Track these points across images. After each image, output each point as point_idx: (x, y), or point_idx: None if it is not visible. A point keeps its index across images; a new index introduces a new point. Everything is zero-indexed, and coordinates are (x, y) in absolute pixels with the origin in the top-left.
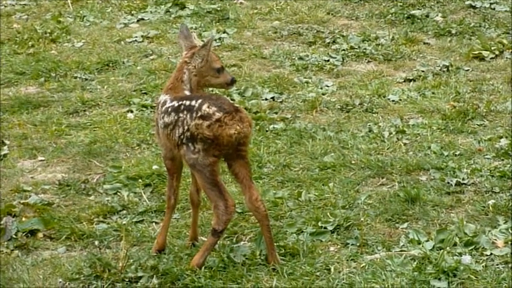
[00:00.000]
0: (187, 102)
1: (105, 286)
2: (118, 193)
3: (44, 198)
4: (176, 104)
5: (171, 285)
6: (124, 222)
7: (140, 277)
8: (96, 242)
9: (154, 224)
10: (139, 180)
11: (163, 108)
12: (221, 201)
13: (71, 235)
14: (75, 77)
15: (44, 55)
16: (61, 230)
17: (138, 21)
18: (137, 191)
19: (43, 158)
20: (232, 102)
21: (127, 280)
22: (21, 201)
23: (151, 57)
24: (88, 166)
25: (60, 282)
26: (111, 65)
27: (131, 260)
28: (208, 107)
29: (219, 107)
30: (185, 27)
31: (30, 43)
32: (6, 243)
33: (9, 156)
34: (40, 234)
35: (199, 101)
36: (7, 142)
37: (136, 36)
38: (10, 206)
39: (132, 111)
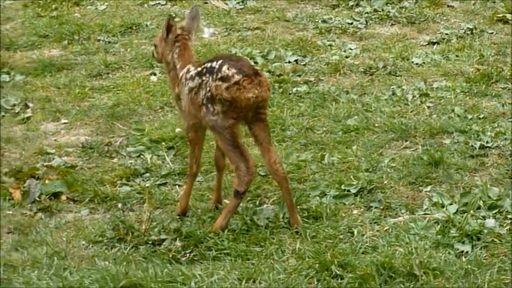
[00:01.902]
0: (209, 65)
1: (128, 249)
2: (141, 156)
3: (67, 160)
4: (199, 69)
5: (194, 247)
6: (147, 184)
7: (163, 240)
8: (120, 205)
9: (177, 186)
10: (163, 143)
11: (188, 75)
12: (242, 162)
13: (94, 198)
14: (99, 40)
15: (67, 18)
16: (84, 192)
17: None
18: (160, 154)
19: (66, 121)
20: (253, 65)
21: (150, 243)
22: (45, 164)
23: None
24: (111, 129)
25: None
26: (134, 27)
27: (154, 223)
28: (228, 69)
29: (239, 69)
30: (196, 10)
31: (53, 6)
32: (29, 205)
33: (32, 119)
34: (63, 197)
35: (220, 62)
36: (30, 105)
37: None
38: (33, 168)
39: (155, 74)
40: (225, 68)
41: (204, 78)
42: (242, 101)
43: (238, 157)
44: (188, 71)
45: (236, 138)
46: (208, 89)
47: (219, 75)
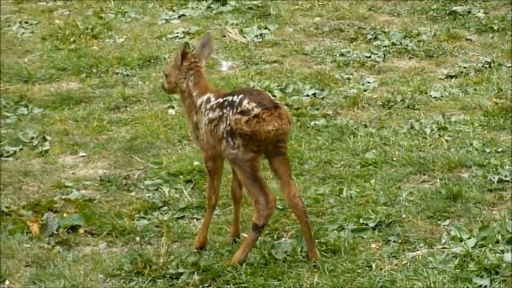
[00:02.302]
0: (230, 98)
1: (146, 282)
2: (159, 189)
3: (85, 194)
4: (221, 100)
5: (212, 281)
6: (165, 218)
7: (181, 273)
8: (137, 238)
9: (195, 220)
10: (181, 176)
11: (208, 105)
12: (262, 196)
13: (112, 231)
14: (117, 73)
15: (85, 51)
16: (102, 225)
17: (179, 17)
18: (178, 187)
19: (84, 154)
20: (272, 98)
21: (168, 276)
22: (63, 197)
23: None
24: (129, 162)
25: None
26: (152, 61)
27: (172, 257)
28: (248, 103)
29: (259, 102)
30: (207, 37)
31: (71, 39)
32: (47, 238)
33: (50, 152)
34: (81, 230)
35: (241, 96)
36: (48, 138)
37: (177, 32)
38: (51, 201)
39: (173, 107)
40: (245, 102)
41: (224, 111)
42: (262, 134)
43: (258, 190)
44: (209, 101)
45: (256, 172)
46: (228, 122)
47: (239, 109)
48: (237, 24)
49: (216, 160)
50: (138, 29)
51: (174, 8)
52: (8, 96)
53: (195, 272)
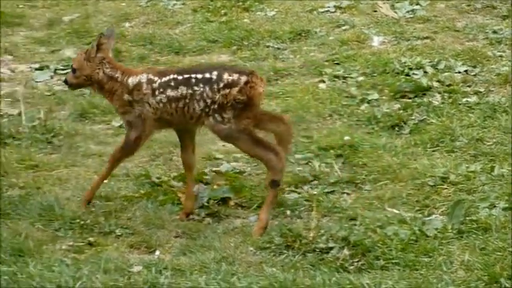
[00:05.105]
0: (200, 76)
1: (296, 256)
2: (309, 163)
3: (236, 166)
4: (180, 78)
5: (361, 256)
6: (315, 192)
7: (331, 248)
8: (288, 212)
9: (345, 194)
10: (331, 150)
11: (156, 84)
12: (270, 153)
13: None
14: (268, 46)
15: (236, 23)
16: (252, 198)
17: None
18: (328, 162)
19: None
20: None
21: (318, 250)
22: (213, 169)
23: (343, 27)
24: None
25: None
26: (303, 34)
27: (322, 231)
28: (229, 75)
29: (239, 72)
30: (111, 30)
31: (223, 11)
32: (197, 210)
33: None
34: (231, 202)
35: (215, 72)
36: None
37: (329, 6)
38: (202, 173)
39: (324, 82)
40: (226, 75)
41: (196, 88)
42: (256, 97)
43: (265, 151)
44: (152, 80)
45: (254, 136)
46: (209, 100)
47: (222, 84)
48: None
49: (145, 137)
50: (290, 2)
51: None
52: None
53: (345, 247)
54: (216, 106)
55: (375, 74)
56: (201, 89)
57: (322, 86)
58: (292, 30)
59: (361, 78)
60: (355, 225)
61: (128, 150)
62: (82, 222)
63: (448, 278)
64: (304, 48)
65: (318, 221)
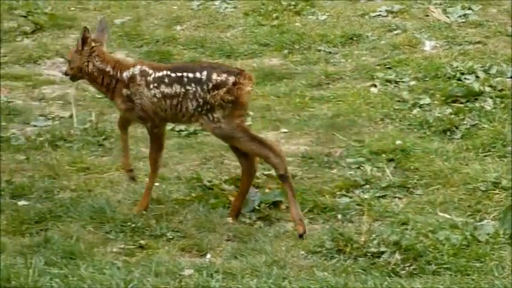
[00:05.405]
0: (191, 75)
1: (347, 260)
2: (361, 167)
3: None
4: (174, 75)
5: (413, 261)
6: (366, 196)
7: (382, 252)
8: (339, 216)
9: (396, 199)
10: (383, 154)
11: (150, 78)
12: (267, 150)
13: (314, 208)
14: (319, 50)
15: (288, 27)
16: (304, 202)
17: None
18: (380, 166)
19: (286, 130)
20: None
21: (369, 255)
22: (265, 173)
23: (395, 32)
24: (331, 139)
25: None
26: (354, 38)
27: (373, 235)
28: (218, 75)
29: (227, 71)
30: (103, 22)
31: (274, 15)
32: (249, 214)
33: (252, 127)
34: (282, 206)
35: (205, 72)
36: (251, 113)
37: (380, 11)
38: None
39: (375, 86)
40: (214, 76)
41: (188, 87)
42: (244, 97)
43: (261, 148)
44: (146, 73)
45: (249, 133)
46: (200, 100)
47: (211, 85)
48: (440, 4)
49: (160, 126)
50: (341, 6)
51: None
52: None
53: (396, 251)
54: (208, 106)
55: (427, 79)
56: (193, 89)
57: (373, 90)
58: (344, 34)
59: (412, 83)
60: (406, 229)
61: (156, 144)
62: (133, 225)
63: (500, 284)
64: (355, 53)
65: (369, 225)
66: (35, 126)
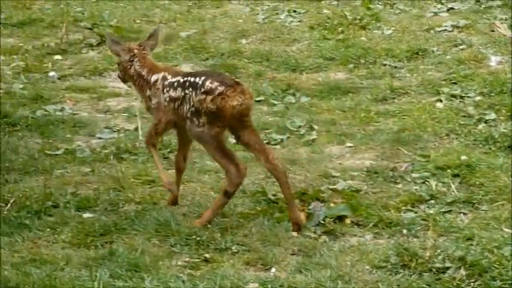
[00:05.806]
0: (192, 79)
1: (412, 275)
2: (426, 182)
3: (352, 184)
4: (181, 80)
5: (478, 277)
6: (431, 211)
7: (448, 268)
8: (404, 231)
9: (462, 214)
10: (448, 170)
11: (166, 82)
12: (232, 166)
13: (379, 222)
14: (384, 64)
15: (353, 41)
16: (368, 217)
17: (448, 10)
18: (445, 181)
19: (351, 144)
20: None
21: (434, 270)
22: (330, 187)
23: (460, 46)
24: (396, 154)
25: None
26: (420, 53)
27: (438, 250)
28: (211, 83)
29: (221, 81)
30: (156, 30)
31: (339, 29)
32: (313, 228)
33: (317, 141)
34: (348, 221)
35: (203, 78)
36: (316, 127)
37: (446, 26)
38: (318, 191)
39: (441, 101)
40: (208, 82)
41: (187, 91)
42: (227, 110)
43: (228, 162)
44: (165, 78)
45: (223, 145)
46: (192, 103)
47: (203, 90)
48: (506, 19)
49: (161, 134)
50: (407, 21)
51: (442, 1)
52: (276, 84)
53: (462, 267)
54: (194, 109)
55: (492, 94)
56: (189, 93)
57: (439, 105)
58: (409, 48)
59: (478, 98)
60: (471, 245)
61: (150, 135)
62: (198, 239)
63: None
64: (421, 67)
65: (434, 240)
66: (100, 138)
